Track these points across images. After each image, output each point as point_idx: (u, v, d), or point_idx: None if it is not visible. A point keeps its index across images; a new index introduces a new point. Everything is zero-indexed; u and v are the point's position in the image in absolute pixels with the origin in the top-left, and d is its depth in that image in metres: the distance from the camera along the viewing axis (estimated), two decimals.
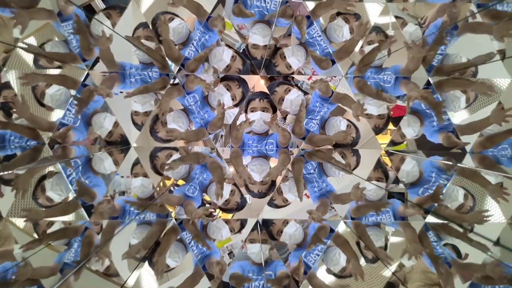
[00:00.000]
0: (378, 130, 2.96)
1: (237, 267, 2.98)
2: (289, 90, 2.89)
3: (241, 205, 3.04)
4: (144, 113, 2.91)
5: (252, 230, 3.09)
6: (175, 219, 3.07)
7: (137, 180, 2.96)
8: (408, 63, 2.76)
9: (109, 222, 2.88)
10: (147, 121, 2.92)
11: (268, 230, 3.06)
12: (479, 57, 2.67)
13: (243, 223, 3.08)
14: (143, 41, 2.79)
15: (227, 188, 2.95)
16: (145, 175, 2.98)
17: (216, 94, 2.86)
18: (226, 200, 2.97)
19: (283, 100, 2.89)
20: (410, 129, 2.93)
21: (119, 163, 2.98)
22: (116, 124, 2.92)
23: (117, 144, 3.00)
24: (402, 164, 2.96)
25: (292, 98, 2.88)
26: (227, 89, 2.87)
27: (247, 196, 3.09)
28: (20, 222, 3.00)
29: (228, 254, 3.17)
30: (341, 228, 3.07)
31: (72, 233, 2.87)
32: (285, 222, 2.98)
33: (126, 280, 2.87)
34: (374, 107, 2.87)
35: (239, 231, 3.08)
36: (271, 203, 3.06)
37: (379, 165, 3.02)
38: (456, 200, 2.79)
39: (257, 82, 3.08)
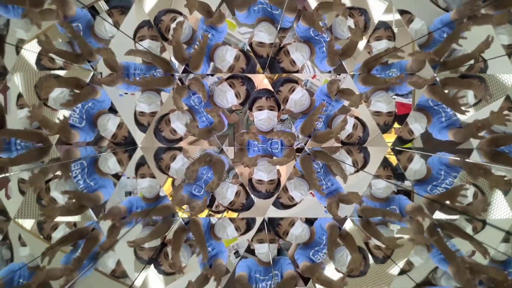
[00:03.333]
0: (387, 128, 2.80)
1: (244, 267, 2.85)
2: (293, 89, 2.75)
3: (247, 207, 2.90)
4: (150, 113, 2.78)
5: (260, 230, 2.96)
6: (182, 219, 3.00)
7: (145, 181, 2.85)
8: (411, 64, 2.61)
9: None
10: (153, 121, 2.79)
11: (274, 231, 2.93)
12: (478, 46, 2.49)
13: (249, 223, 2.94)
14: (148, 40, 2.69)
15: (233, 188, 2.82)
16: (153, 176, 2.87)
17: (219, 92, 2.73)
18: (230, 202, 2.83)
19: (287, 99, 2.76)
20: (418, 125, 2.76)
21: (123, 163, 2.86)
22: (120, 126, 2.80)
23: (122, 145, 2.88)
24: (410, 163, 2.80)
25: (297, 98, 2.74)
26: (231, 87, 2.74)
27: (253, 196, 2.95)
28: (27, 223, 2.93)
29: (234, 253, 3.06)
30: (348, 225, 2.97)
31: (85, 234, 2.78)
32: (291, 223, 2.85)
33: (134, 281, 2.78)
34: (383, 104, 2.70)
35: (246, 231, 2.94)
36: (276, 203, 2.91)
37: (388, 163, 2.88)
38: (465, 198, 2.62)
39: (260, 82, 2.97)
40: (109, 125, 2.76)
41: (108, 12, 2.74)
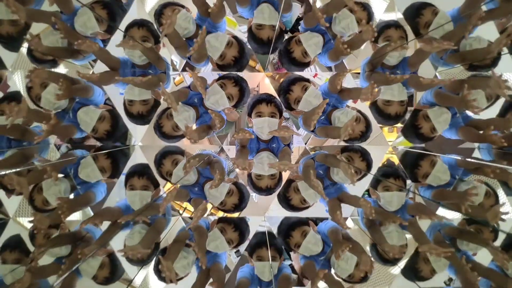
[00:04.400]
0: (397, 119, 2.56)
1: (247, 273, 2.65)
2: (306, 88, 2.52)
3: (239, 207, 2.68)
4: (141, 101, 2.52)
5: (260, 245, 2.73)
6: (183, 219, 2.90)
7: (135, 194, 2.57)
8: (412, 56, 2.43)
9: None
10: (145, 110, 2.56)
11: (284, 242, 2.74)
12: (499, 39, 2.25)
13: (243, 235, 2.71)
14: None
15: (224, 187, 2.58)
16: (145, 188, 2.60)
17: (210, 94, 2.49)
18: (221, 202, 2.61)
19: (299, 100, 2.53)
20: (442, 121, 2.49)
21: (106, 170, 2.63)
22: (101, 119, 2.54)
23: (103, 141, 2.69)
24: (433, 169, 2.56)
25: (311, 99, 2.49)
26: (222, 88, 2.50)
27: (254, 195, 2.84)
28: (26, 222, 2.87)
29: (235, 252, 2.97)
30: (349, 225, 2.90)
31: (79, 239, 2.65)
32: (304, 234, 2.61)
33: (133, 278, 2.70)
34: (395, 92, 2.47)
35: (238, 244, 2.71)
36: (286, 206, 2.71)
37: (398, 174, 2.67)
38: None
39: (261, 81, 2.88)
40: (88, 118, 2.50)
41: (89, 7, 2.54)
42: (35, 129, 2.64)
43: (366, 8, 2.56)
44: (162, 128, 2.57)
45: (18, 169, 2.42)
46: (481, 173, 2.52)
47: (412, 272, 2.67)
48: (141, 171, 2.69)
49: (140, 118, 2.58)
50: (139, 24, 2.57)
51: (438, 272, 2.55)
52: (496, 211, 2.25)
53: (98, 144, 2.83)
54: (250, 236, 2.86)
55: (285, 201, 2.70)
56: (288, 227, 2.72)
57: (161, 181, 2.73)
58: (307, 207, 2.69)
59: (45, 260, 2.54)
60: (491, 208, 2.29)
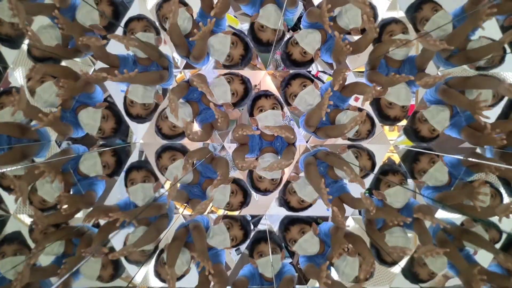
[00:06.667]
0: (394, 122, 2.51)
1: (247, 271, 2.58)
2: (305, 86, 2.43)
3: (246, 203, 2.61)
4: (142, 105, 2.46)
5: (259, 242, 2.63)
6: (183, 216, 2.84)
7: (136, 188, 2.46)
8: (419, 57, 2.36)
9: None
10: (144, 113, 2.51)
11: (282, 235, 2.67)
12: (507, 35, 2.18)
13: (247, 233, 2.62)
14: (140, 33, 2.38)
15: (227, 189, 2.47)
16: (146, 179, 2.50)
17: (214, 85, 2.40)
18: (228, 203, 2.51)
19: (295, 95, 2.45)
20: (441, 118, 2.40)
21: (109, 166, 2.52)
22: (105, 118, 2.43)
23: (111, 138, 2.63)
24: (431, 167, 2.47)
25: (307, 97, 2.41)
26: (228, 82, 2.42)
27: (254, 194, 2.74)
28: (27, 219, 2.82)
29: (236, 250, 2.92)
30: (350, 225, 2.84)
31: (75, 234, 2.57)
32: (301, 231, 2.50)
33: (131, 280, 2.66)
34: (401, 96, 2.38)
35: (241, 242, 2.62)
36: (287, 206, 2.61)
37: (395, 169, 2.59)
38: None
39: (262, 80, 2.82)
40: (91, 120, 2.40)
41: (96, 1, 2.47)
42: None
43: (372, 7, 2.47)
44: (161, 130, 2.52)
45: (17, 167, 2.37)
46: (483, 170, 2.46)
47: (411, 276, 2.60)
48: (139, 164, 2.65)
49: (138, 119, 2.53)
50: (138, 16, 2.50)
51: (437, 272, 2.47)
52: (507, 205, 2.21)
53: (100, 142, 2.77)
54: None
55: (285, 204, 2.63)
56: (288, 221, 2.66)
57: (162, 178, 2.66)
58: (308, 206, 2.60)
59: (43, 260, 2.50)
60: (501, 204, 2.25)
